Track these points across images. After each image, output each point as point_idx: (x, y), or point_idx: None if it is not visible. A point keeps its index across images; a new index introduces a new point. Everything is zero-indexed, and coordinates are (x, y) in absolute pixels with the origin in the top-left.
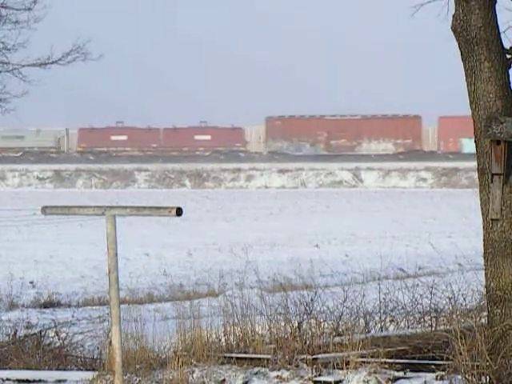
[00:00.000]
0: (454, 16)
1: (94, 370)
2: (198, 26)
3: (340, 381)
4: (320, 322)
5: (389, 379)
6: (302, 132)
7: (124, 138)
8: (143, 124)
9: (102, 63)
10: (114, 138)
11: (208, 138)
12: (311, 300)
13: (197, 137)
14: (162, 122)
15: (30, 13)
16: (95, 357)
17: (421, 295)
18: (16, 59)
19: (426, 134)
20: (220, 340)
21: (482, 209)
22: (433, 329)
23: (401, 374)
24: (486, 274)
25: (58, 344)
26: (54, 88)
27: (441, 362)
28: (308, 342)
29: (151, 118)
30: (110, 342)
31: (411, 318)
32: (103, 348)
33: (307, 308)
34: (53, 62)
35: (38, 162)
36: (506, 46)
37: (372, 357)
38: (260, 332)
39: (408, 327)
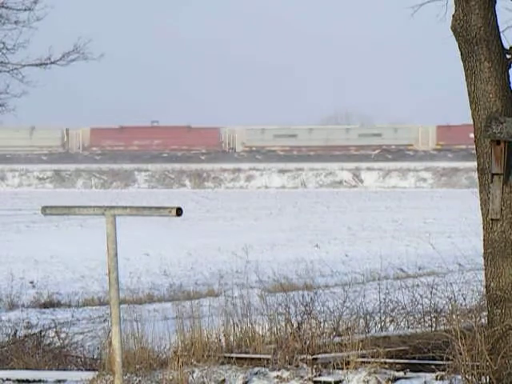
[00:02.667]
0: (453, 16)
1: (94, 370)
2: (198, 26)
3: (340, 381)
4: (320, 322)
5: (389, 379)
6: None
7: None
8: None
9: (102, 63)
10: (472, 135)
11: None
12: (311, 300)
13: None
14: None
15: (30, 13)
16: (95, 357)
17: (421, 295)
18: (16, 59)
19: None
20: (220, 340)
21: (481, 209)
22: (433, 329)
23: (401, 373)
24: (485, 274)
25: (57, 344)
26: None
27: (441, 362)
28: (308, 342)
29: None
30: (110, 341)
31: (411, 318)
32: (103, 348)
33: (307, 308)
34: (52, 63)
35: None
36: (506, 46)
37: (372, 357)
38: (260, 332)
39: (408, 327)
